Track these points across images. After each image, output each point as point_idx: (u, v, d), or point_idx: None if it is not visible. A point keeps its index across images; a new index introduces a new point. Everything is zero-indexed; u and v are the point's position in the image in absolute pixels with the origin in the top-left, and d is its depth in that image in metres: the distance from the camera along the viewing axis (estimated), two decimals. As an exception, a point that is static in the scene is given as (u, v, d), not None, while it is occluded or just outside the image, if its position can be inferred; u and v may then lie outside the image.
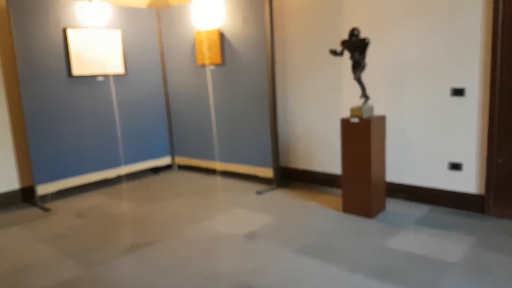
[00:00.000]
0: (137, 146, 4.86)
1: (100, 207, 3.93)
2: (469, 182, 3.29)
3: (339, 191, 3.95)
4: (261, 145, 4.30)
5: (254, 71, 4.20)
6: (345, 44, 3.22)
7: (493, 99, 3.06)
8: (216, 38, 4.37)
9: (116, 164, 4.68)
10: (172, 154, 5.24)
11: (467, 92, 3.21)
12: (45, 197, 4.19)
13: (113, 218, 3.63)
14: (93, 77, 4.40)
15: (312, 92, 4.13)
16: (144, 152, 4.94)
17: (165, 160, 5.20)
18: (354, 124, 3.31)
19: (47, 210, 3.91)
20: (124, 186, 4.64)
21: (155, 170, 5.16)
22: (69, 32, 4.15)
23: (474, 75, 3.15)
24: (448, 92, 3.30)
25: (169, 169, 5.28)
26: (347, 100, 3.81)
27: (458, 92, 3.26)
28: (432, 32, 3.29)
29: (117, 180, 4.80)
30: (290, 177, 4.48)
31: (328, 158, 4.11)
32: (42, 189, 4.08)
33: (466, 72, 3.18)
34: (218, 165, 4.78)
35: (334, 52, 3.19)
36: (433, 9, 3.26)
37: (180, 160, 5.21)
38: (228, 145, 4.64)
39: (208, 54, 4.49)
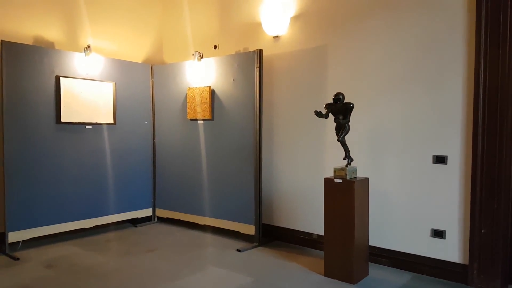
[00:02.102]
0: (118, 196, 4.76)
1: (72, 258, 3.75)
2: (452, 250, 3.24)
3: (321, 253, 3.84)
4: (245, 201, 4.24)
5: (241, 128, 4.26)
6: (329, 107, 3.32)
7: (475, 169, 3.10)
8: (207, 94, 4.48)
9: (94, 214, 4.54)
10: (154, 206, 5.12)
11: (449, 160, 3.26)
12: (16, 245, 4.00)
13: (82, 271, 3.44)
14: (81, 125, 4.41)
15: (297, 152, 4.17)
16: (125, 203, 4.83)
17: (146, 212, 5.07)
18: (338, 184, 3.30)
19: (15, 259, 3.71)
20: (100, 237, 4.47)
21: (134, 222, 5.00)
22: (62, 80, 4.22)
23: (455, 143, 3.22)
24: (430, 159, 3.35)
25: (149, 221, 5.13)
26: (331, 161, 3.84)
27: (440, 159, 3.31)
28: (414, 101, 3.41)
29: (94, 230, 4.63)
30: (272, 235, 4.37)
31: (311, 218, 4.05)
32: (13, 236, 3.91)
33: (448, 140, 3.26)
34: (199, 219, 4.67)
35: (319, 114, 3.27)
36: (414, 80, 3.41)
37: (161, 212, 5.09)
38: (211, 199, 4.57)
39: (198, 110, 4.58)
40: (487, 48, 3.06)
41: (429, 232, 3.35)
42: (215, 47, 4.85)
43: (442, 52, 3.26)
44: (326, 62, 3.93)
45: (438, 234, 3.30)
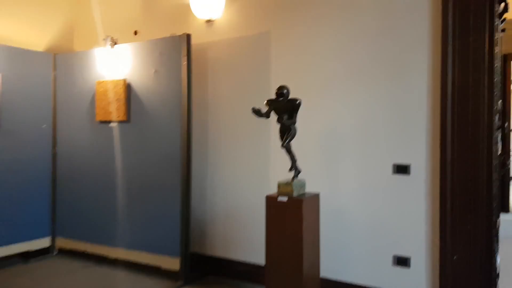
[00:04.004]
0: (4, 223, 3.67)
1: None
2: (418, 282, 2.66)
3: (262, 288, 3.11)
4: (168, 226, 3.39)
5: (165, 133, 3.43)
6: (271, 104, 2.62)
7: (444, 180, 2.56)
8: (121, 90, 3.60)
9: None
10: (53, 235, 4.07)
11: (412, 169, 2.70)
12: None
13: None
14: None
15: (237, 161, 3.43)
16: (12, 231, 3.74)
17: (42, 243, 3.99)
18: (282, 204, 2.61)
19: None
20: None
21: (27, 256, 3.90)
22: None
23: (420, 149, 2.68)
24: (390, 169, 2.78)
25: (47, 254, 4.04)
26: (278, 172, 3.14)
27: (401, 169, 2.75)
28: (371, 99, 2.84)
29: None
30: (205, 269, 3.55)
31: (255, 245, 3.29)
32: None
33: (411, 145, 2.71)
34: (111, 251, 3.73)
35: (257, 112, 2.55)
36: (371, 73, 2.84)
37: (63, 242, 4.05)
38: (125, 224, 3.65)
39: (110, 109, 3.67)
40: (456, 36, 2.56)
41: (391, 260, 2.75)
42: (135, 33, 3.99)
43: (404, 40, 2.72)
44: (269, 52, 3.26)
45: (402, 262, 2.71)
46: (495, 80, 2.56)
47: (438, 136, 2.60)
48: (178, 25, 3.66)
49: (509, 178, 5.31)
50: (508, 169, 5.25)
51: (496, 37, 2.55)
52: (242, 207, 3.40)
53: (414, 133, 2.69)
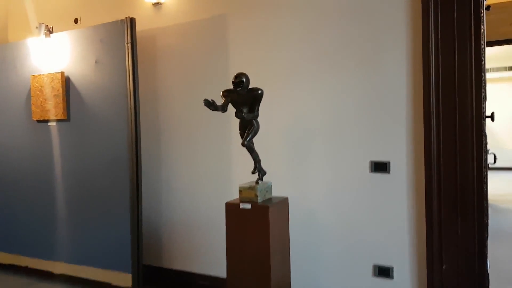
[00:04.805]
0: None
1: None
2: (403, 294, 2.33)
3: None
4: (118, 237, 2.94)
5: (111, 132, 2.97)
6: (228, 95, 2.21)
7: (429, 178, 2.23)
8: (58, 84, 3.10)
9: None
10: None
11: (392, 167, 2.37)
12: None
13: None
14: None
15: (195, 162, 3.01)
16: None
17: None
18: (246, 211, 2.23)
19: None
20: None
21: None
22: None
23: (400, 143, 2.35)
24: (366, 166, 2.43)
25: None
26: (242, 173, 2.74)
27: (380, 167, 2.41)
28: (344, 87, 2.48)
29: None
30: (161, 283, 3.12)
31: (216, 256, 2.88)
32: None
33: (390, 139, 2.37)
34: (55, 266, 3.24)
35: (211, 105, 2.13)
36: (343, 58, 2.48)
37: (2, 257, 3.53)
38: (71, 237, 3.18)
39: (48, 106, 3.17)
40: (438, 13, 2.23)
41: (371, 270, 2.41)
42: (75, 21, 3.50)
43: (378, 18, 2.37)
44: (226, 38, 2.85)
45: (384, 272, 2.38)
46: (482, 63, 2.26)
47: (421, 128, 2.27)
48: (124, 9, 3.20)
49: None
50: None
51: (481, 14, 2.24)
52: (202, 213, 3.00)
53: (393, 125, 2.36)
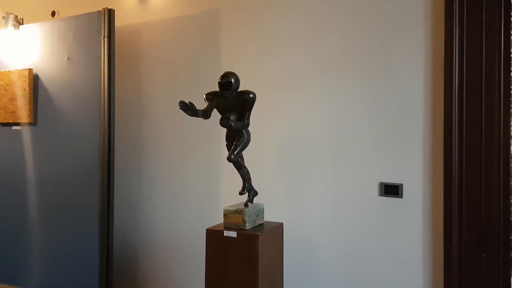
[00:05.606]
0: None
1: None
2: None
3: None
4: (85, 261, 2.55)
5: (82, 139, 2.59)
6: (213, 98, 1.86)
7: (449, 206, 1.88)
8: (25, 83, 2.74)
9: None
10: None
11: (405, 190, 2.03)
12: None
13: None
14: None
15: (181, 177, 2.65)
16: None
17: None
18: (230, 240, 1.87)
19: None
20: None
21: None
22: None
23: (415, 163, 2.00)
24: (375, 189, 2.09)
25: None
26: (232, 191, 2.38)
27: (390, 190, 2.07)
28: (350, 98, 2.15)
29: None
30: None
31: (200, 284, 2.51)
32: None
33: (404, 160, 2.03)
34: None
35: (188, 108, 1.75)
36: (351, 64, 2.15)
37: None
38: (36, 260, 2.76)
39: (13, 108, 2.80)
40: (463, 11, 1.92)
41: (378, 313, 2.05)
42: (53, 13, 3.15)
43: (393, 17, 2.05)
44: (219, 35, 2.52)
45: (394, 315, 2.01)
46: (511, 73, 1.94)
47: (440, 146, 1.94)
48: (106, 3, 2.84)
49: None
50: None
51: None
52: (185, 237, 2.62)
53: (407, 141, 2.02)
